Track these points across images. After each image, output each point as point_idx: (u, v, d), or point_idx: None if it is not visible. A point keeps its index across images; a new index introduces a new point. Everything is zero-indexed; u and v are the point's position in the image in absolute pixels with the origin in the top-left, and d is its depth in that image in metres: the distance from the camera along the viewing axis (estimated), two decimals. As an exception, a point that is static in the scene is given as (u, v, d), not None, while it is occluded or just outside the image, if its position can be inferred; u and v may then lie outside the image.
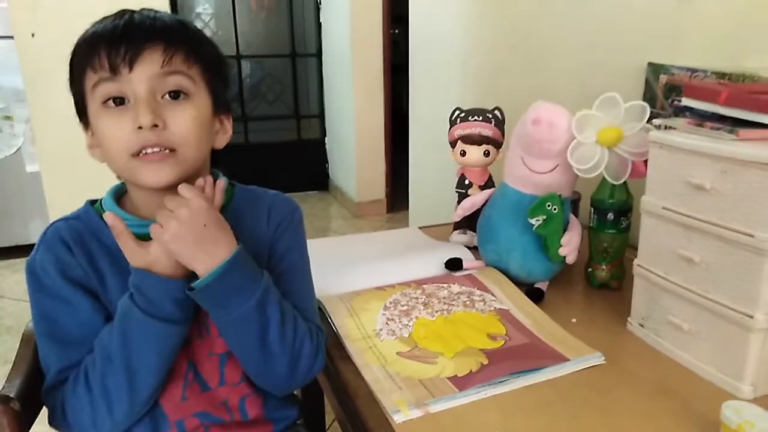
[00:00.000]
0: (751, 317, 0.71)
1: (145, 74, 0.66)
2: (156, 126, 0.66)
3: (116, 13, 0.70)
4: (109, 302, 0.71)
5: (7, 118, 2.80)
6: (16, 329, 2.25)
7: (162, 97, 0.68)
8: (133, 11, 0.70)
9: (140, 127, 0.66)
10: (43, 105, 2.13)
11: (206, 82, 0.72)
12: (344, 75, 3.59)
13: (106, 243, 0.72)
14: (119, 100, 0.67)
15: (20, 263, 2.90)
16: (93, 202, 0.78)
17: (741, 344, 0.73)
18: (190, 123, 0.69)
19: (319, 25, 3.97)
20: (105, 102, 0.68)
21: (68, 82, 0.71)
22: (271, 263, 0.79)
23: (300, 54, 4.10)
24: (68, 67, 0.71)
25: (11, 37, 2.18)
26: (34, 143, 2.63)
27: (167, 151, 0.68)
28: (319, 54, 4.05)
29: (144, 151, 0.67)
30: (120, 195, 0.77)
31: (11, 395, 0.67)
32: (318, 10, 3.93)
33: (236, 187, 0.82)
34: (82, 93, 0.70)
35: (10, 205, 2.90)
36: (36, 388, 0.69)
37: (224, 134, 0.77)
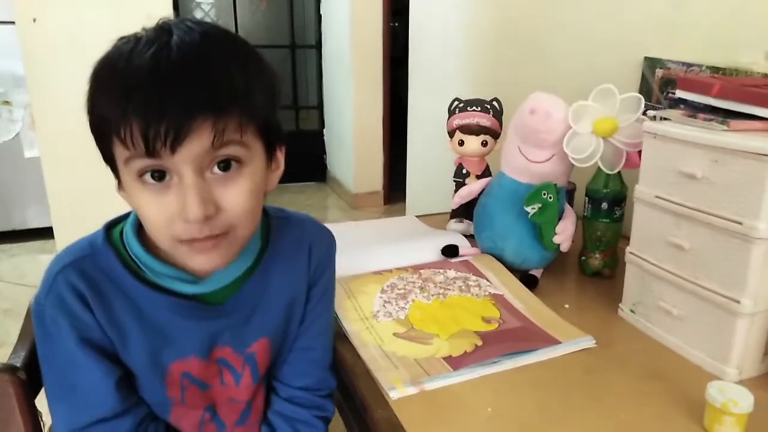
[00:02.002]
0: (738, 302, 0.74)
1: (191, 155, 0.54)
2: (208, 216, 0.56)
3: (150, 43, 0.54)
4: (130, 361, 0.66)
5: (6, 103, 2.80)
6: (13, 312, 2.26)
7: (211, 171, 0.57)
8: (170, 38, 0.54)
9: (188, 220, 0.56)
10: (43, 90, 2.13)
11: (261, 137, 0.60)
12: (343, 67, 3.60)
13: (130, 295, 0.64)
14: (159, 174, 0.56)
15: (17, 248, 2.92)
16: (110, 227, 0.67)
17: (728, 329, 0.76)
18: (245, 199, 0.59)
19: (319, 16, 3.97)
20: (141, 176, 0.56)
21: (89, 123, 0.58)
22: (308, 306, 0.76)
23: (299, 45, 4.11)
24: (89, 104, 0.57)
25: (12, 23, 2.18)
26: (34, 129, 2.64)
27: (222, 235, 0.59)
28: (318, 45, 4.06)
29: (192, 240, 0.58)
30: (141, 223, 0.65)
31: (17, 365, 0.69)
32: (318, 1, 3.94)
33: (271, 221, 0.74)
34: (109, 152, 0.57)
35: (8, 191, 2.91)
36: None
37: (277, 170, 0.67)
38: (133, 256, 0.65)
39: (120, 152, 0.56)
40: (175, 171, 0.55)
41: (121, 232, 0.66)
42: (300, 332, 0.76)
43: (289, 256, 0.73)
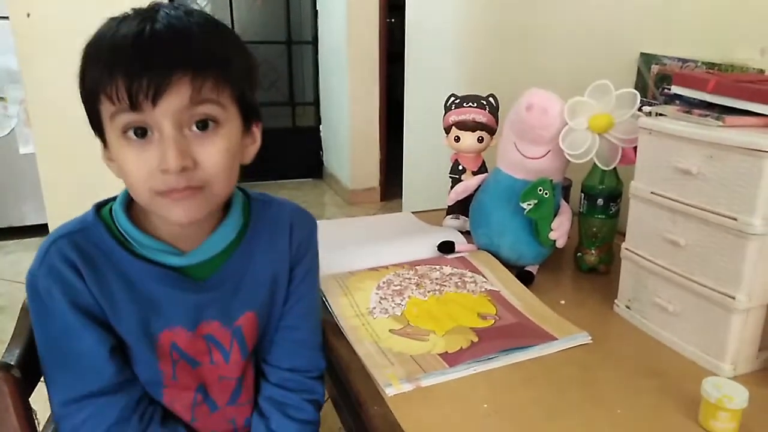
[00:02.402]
0: (733, 298, 0.74)
1: (170, 108, 0.59)
2: (185, 168, 0.60)
3: (138, 16, 0.60)
4: (121, 330, 0.68)
5: (1, 99, 2.78)
6: (9, 309, 2.25)
7: (189, 128, 0.61)
8: (156, 14, 0.60)
9: (166, 170, 0.60)
10: (38, 86, 2.12)
11: (237, 103, 0.65)
12: (340, 62, 3.59)
13: (120, 266, 0.67)
14: (141, 131, 0.60)
15: (13, 245, 2.91)
16: (99, 207, 0.71)
17: (723, 324, 0.76)
18: (221, 157, 0.63)
19: (316, 12, 3.96)
20: (125, 132, 0.61)
21: (80, 90, 0.63)
22: (291, 286, 0.78)
23: (296, 41, 4.09)
24: (80, 75, 0.62)
25: (6, 17, 2.17)
26: (29, 125, 2.63)
27: (198, 188, 0.63)
28: (315, 41, 4.05)
29: (170, 190, 0.61)
30: (130, 198, 0.69)
31: (12, 363, 0.68)
32: (315, -3, 3.93)
33: (252, 202, 0.77)
34: (97, 113, 0.62)
35: (3, 187, 2.89)
36: (36, 356, 0.70)
37: (254, 145, 0.71)
38: (122, 231, 0.69)
39: (107, 109, 0.60)
40: (156, 126, 0.60)
41: (111, 211, 0.70)
42: (285, 312, 0.78)
43: (271, 234, 0.76)
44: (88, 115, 0.64)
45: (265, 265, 0.75)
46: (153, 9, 0.61)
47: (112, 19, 0.61)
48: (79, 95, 0.63)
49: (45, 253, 0.66)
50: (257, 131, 0.71)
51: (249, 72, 0.67)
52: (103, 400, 0.67)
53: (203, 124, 0.62)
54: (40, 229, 2.81)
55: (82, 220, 0.69)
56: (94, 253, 0.67)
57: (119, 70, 0.57)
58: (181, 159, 0.60)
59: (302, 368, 0.79)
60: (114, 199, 0.71)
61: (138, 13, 0.61)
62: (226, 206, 0.73)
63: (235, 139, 0.65)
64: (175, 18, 0.61)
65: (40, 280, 0.65)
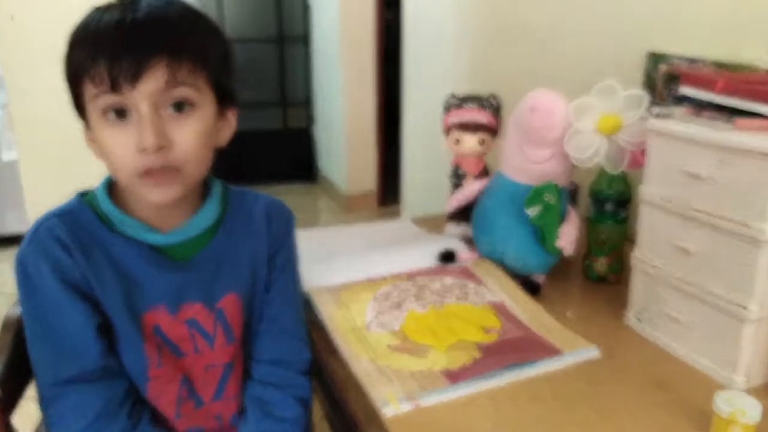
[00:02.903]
0: (745, 308, 0.75)
1: (147, 90, 0.66)
2: (161, 147, 0.67)
3: (121, 5, 0.68)
4: (108, 308, 0.73)
5: (-19, 103, 2.79)
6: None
7: (165, 110, 0.68)
8: (138, 4, 0.68)
9: (144, 149, 0.67)
10: (22, 90, 2.14)
11: (212, 86, 0.72)
12: (333, 60, 3.60)
13: (107, 248, 0.73)
14: (120, 112, 0.67)
15: (-9, 255, 2.90)
16: (84, 194, 0.78)
17: (735, 335, 0.77)
18: (195, 139, 0.70)
19: (307, 7, 3.98)
20: (105, 113, 0.68)
21: (64, 75, 0.70)
22: (272, 275, 0.84)
23: (287, 37, 4.11)
24: (65, 60, 0.69)
25: (-15, 19, 2.18)
26: (12, 130, 2.63)
27: (174, 169, 0.69)
28: (306, 38, 4.06)
29: (148, 171, 0.68)
30: (112, 184, 0.77)
31: (-7, 383, 0.69)
32: (306, -9, 3.94)
33: (230, 192, 0.84)
34: (80, 95, 0.69)
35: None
36: (18, 374, 0.71)
37: (228, 129, 0.78)
38: (106, 212, 0.75)
39: (89, 91, 0.67)
40: (134, 107, 0.67)
41: (94, 195, 0.77)
42: (267, 300, 0.84)
43: (249, 220, 0.83)
44: (71, 97, 0.71)
45: (244, 248, 0.81)
46: (135, 0, 0.68)
47: (97, 9, 0.69)
48: (64, 78, 0.70)
49: (34, 232, 0.72)
50: (232, 117, 0.78)
51: (225, 58, 0.74)
52: (89, 387, 0.72)
53: (179, 106, 0.69)
54: (22, 239, 2.81)
55: (67, 205, 0.76)
56: (81, 232, 0.73)
57: (102, 54, 0.65)
58: (158, 138, 0.66)
59: (286, 359, 0.84)
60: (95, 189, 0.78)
61: (121, 2, 0.69)
62: (205, 192, 0.80)
63: (209, 121, 0.72)
64: (155, 7, 0.68)
65: (29, 257, 0.71)
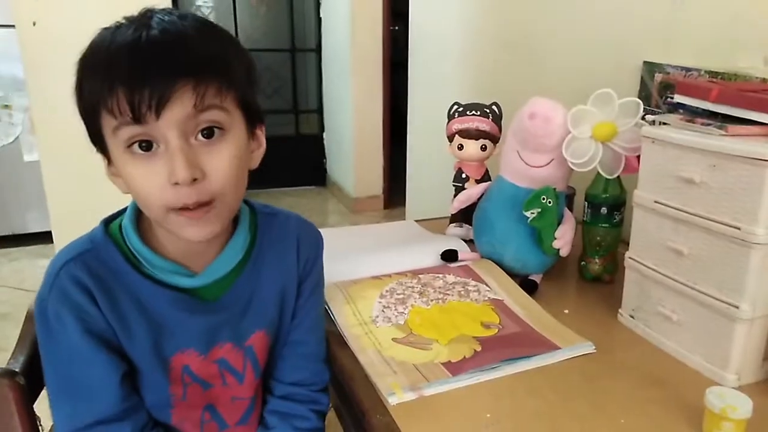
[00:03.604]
0: (737, 307, 0.74)
1: (174, 118, 0.57)
2: (195, 179, 0.58)
3: (132, 24, 0.59)
4: (134, 354, 0.67)
5: (6, 107, 2.81)
6: (12, 316, 2.26)
7: (195, 137, 0.59)
8: (150, 20, 0.59)
9: (176, 183, 0.58)
10: (43, 94, 2.14)
11: (240, 106, 0.63)
12: (343, 70, 3.61)
13: (131, 288, 0.66)
14: (146, 144, 0.58)
15: (16, 252, 2.92)
16: (108, 222, 0.69)
17: (726, 334, 0.76)
18: (229, 166, 0.61)
19: (319, 20, 3.99)
20: (129, 146, 0.58)
21: (78, 106, 0.61)
22: (298, 302, 0.78)
23: (299, 49, 4.12)
24: (77, 90, 0.60)
25: (12, 26, 2.19)
26: (33, 132, 2.64)
27: (209, 203, 0.61)
28: (318, 49, 4.07)
29: (183, 208, 0.60)
30: (138, 213, 0.68)
31: (17, 370, 0.69)
32: (318, 5, 3.95)
33: (258, 216, 0.76)
34: (98, 128, 0.60)
35: (7, 195, 2.91)
36: (40, 364, 0.71)
37: (259, 149, 0.69)
38: (133, 250, 0.67)
39: (108, 123, 0.58)
40: (161, 138, 0.58)
41: (120, 227, 0.68)
42: (292, 327, 0.78)
43: (278, 249, 0.75)
44: (88, 130, 0.62)
45: (273, 281, 0.74)
46: (146, 15, 0.60)
47: (106, 29, 0.59)
48: (78, 110, 0.61)
49: (55, 277, 0.63)
50: (261, 134, 0.70)
51: (249, 73, 0.65)
52: (109, 428, 0.66)
53: (209, 132, 0.60)
54: (44, 237, 2.83)
55: (91, 239, 0.67)
56: (106, 274, 0.65)
57: (119, 82, 0.55)
58: (191, 170, 0.58)
59: (308, 381, 0.80)
60: (122, 212, 0.70)
61: (131, 21, 0.59)
62: (234, 221, 0.71)
63: (242, 144, 0.64)
64: (170, 23, 0.59)
65: (50, 306, 0.63)
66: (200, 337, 0.70)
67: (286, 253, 0.76)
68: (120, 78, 0.56)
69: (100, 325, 0.64)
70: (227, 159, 0.61)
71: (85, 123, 0.61)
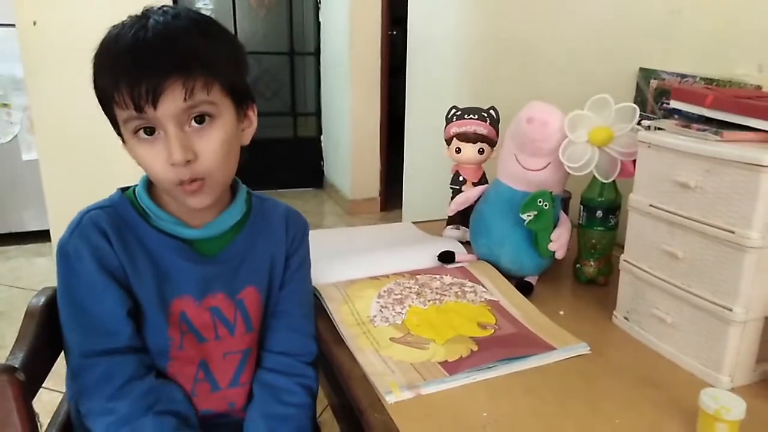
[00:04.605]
0: (731, 310, 0.74)
1: (169, 110, 0.67)
2: (189, 161, 0.68)
3: (133, 24, 0.68)
4: (140, 294, 0.75)
5: (4, 105, 2.80)
6: (8, 314, 2.24)
7: (189, 124, 0.69)
8: (147, 21, 0.68)
9: (173, 163, 0.68)
10: (42, 93, 2.13)
11: (227, 93, 0.72)
12: (342, 74, 3.62)
13: (143, 240, 0.75)
14: (149, 130, 0.69)
15: (14, 250, 2.90)
16: (124, 189, 0.79)
17: (720, 336, 0.76)
18: (219, 148, 0.71)
19: (318, 24, 3.99)
20: (136, 132, 0.69)
21: (95, 94, 0.70)
22: (286, 274, 0.85)
23: (298, 52, 4.12)
24: (94, 86, 0.70)
25: (12, 25, 2.18)
26: (32, 131, 2.63)
27: (202, 179, 0.71)
28: (317, 53, 4.07)
29: (181, 182, 0.70)
30: (151, 182, 0.78)
31: (16, 366, 0.68)
32: (317, 9, 3.95)
33: (252, 196, 0.85)
34: (113, 116, 0.70)
35: (5, 193, 2.89)
36: (40, 360, 0.71)
37: (250, 127, 0.78)
38: (144, 207, 0.77)
39: (119, 114, 0.69)
40: (160, 125, 0.68)
41: (134, 192, 0.79)
42: (281, 298, 0.85)
43: (270, 223, 0.84)
44: (107, 117, 0.72)
45: (265, 248, 0.83)
46: (145, 16, 0.69)
47: (113, 28, 0.69)
48: (99, 102, 0.71)
49: (78, 222, 0.74)
50: (253, 114, 0.78)
51: (237, 61, 0.74)
52: (117, 359, 0.73)
53: (200, 119, 0.69)
54: (41, 236, 2.82)
55: (110, 199, 0.78)
56: (121, 224, 0.75)
57: (123, 80, 0.66)
58: (184, 153, 0.68)
59: (294, 352, 0.84)
60: (135, 185, 0.80)
61: (133, 21, 0.69)
62: (232, 192, 0.81)
63: (230, 128, 0.73)
64: (163, 24, 0.68)
65: (70, 244, 0.72)
66: (197, 285, 0.78)
67: (276, 227, 0.84)
68: (123, 76, 0.66)
69: (113, 262, 0.73)
70: (217, 142, 0.71)
71: (104, 111, 0.71)
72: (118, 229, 0.74)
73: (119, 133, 0.73)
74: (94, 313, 0.72)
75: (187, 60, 0.67)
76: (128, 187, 0.80)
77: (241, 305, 0.81)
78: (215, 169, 0.71)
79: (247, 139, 0.78)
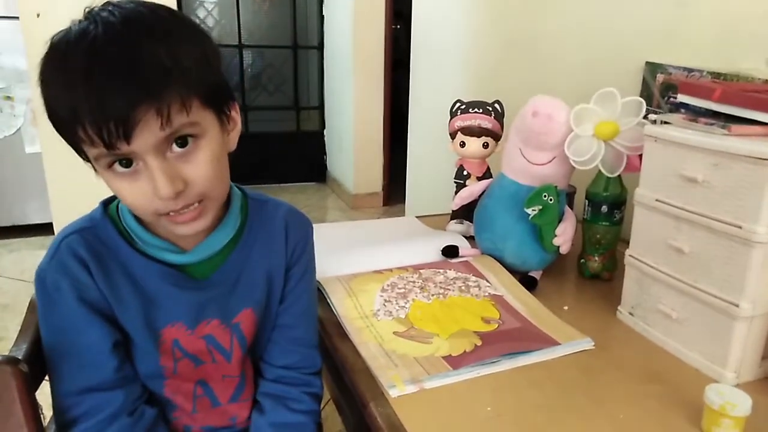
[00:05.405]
0: (737, 306, 0.74)
1: (145, 144, 0.57)
2: (179, 191, 0.60)
3: (81, 32, 0.56)
4: (126, 325, 0.69)
5: (8, 98, 2.79)
6: (12, 307, 2.25)
7: (171, 150, 0.60)
8: (97, 27, 0.56)
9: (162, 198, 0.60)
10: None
11: (207, 105, 0.62)
12: (345, 68, 3.60)
13: (127, 266, 0.69)
14: (126, 162, 0.59)
15: (17, 243, 2.91)
16: (107, 204, 0.72)
17: (726, 332, 0.76)
18: (208, 169, 0.62)
19: (322, 17, 3.97)
20: (110, 166, 0.60)
21: (50, 120, 0.59)
22: (287, 287, 0.78)
23: (301, 46, 4.11)
24: (46, 106, 0.58)
25: (16, 18, 2.18)
26: (35, 124, 2.63)
27: (200, 202, 0.64)
28: (320, 46, 4.06)
29: (171, 211, 0.62)
30: None
31: (19, 357, 0.68)
32: (321, 2, 3.94)
33: (249, 201, 0.77)
34: (76, 144, 0.59)
35: (9, 186, 2.90)
36: (42, 352, 0.70)
37: (234, 129, 0.69)
38: (127, 228, 0.70)
39: (87, 150, 0.59)
40: (139, 157, 0.59)
41: (117, 208, 0.71)
42: (281, 311, 0.79)
43: (268, 233, 0.77)
44: (69, 144, 0.60)
45: (261, 263, 0.76)
46: (93, 21, 0.57)
47: (57, 37, 0.58)
48: (51, 122, 0.59)
49: (56, 249, 0.67)
50: (236, 114, 0.69)
51: (208, 58, 0.62)
52: (103, 395, 0.68)
53: (183, 142, 0.60)
54: (45, 228, 2.82)
55: (90, 218, 0.71)
56: (102, 249, 0.68)
57: (83, 113, 0.55)
58: (172, 185, 0.59)
59: (298, 365, 0.80)
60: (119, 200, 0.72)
61: (80, 29, 0.57)
62: (225, 204, 0.73)
63: (216, 143, 0.64)
64: (117, 32, 0.56)
65: (48, 275, 0.67)
66: (189, 312, 0.72)
67: (274, 237, 0.77)
68: (83, 109, 0.55)
69: (94, 294, 0.67)
70: (206, 164, 0.62)
71: (65, 139, 0.60)
72: (98, 255, 0.67)
73: (85, 159, 0.62)
74: (76, 348, 0.67)
75: (156, 81, 0.56)
76: (112, 199, 0.72)
77: (237, 329, 0.75)
78: (210, 190, 0.64)
79: (234, 144, 0.69)
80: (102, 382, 0.68)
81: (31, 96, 2.55)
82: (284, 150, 4.07)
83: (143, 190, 0.61)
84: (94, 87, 0.55)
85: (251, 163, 3.80)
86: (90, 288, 0.67)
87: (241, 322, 0.76)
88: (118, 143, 0.56)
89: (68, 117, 0.57)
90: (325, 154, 4.23)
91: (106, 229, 0.69)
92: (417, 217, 1.40)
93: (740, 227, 0.72)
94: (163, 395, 0.75)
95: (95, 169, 0.63)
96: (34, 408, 0.68)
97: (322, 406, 0.84)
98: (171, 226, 0.65)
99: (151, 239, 0.69)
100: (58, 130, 0.60)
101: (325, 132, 4.20)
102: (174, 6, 2.27)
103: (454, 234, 1.23)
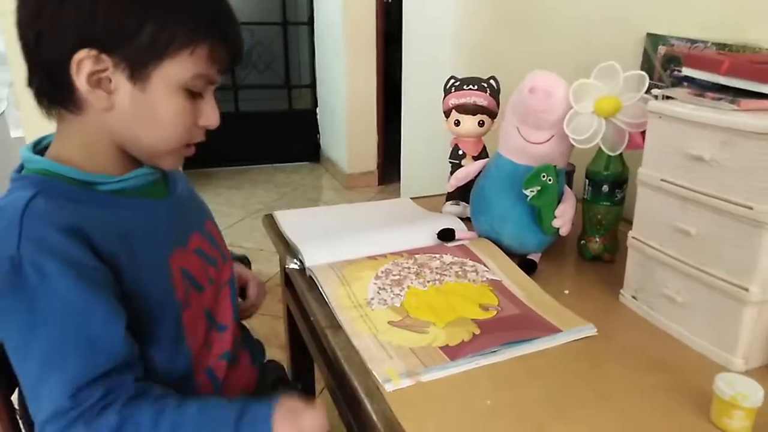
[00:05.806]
0: (746, 290, 0.71)
1: (220, 80, 0.69)
2: None
3: None
4: (137, 276, 0.64)
5: (-10, 82, 2.72)
6: None
7: None
8: None
9: (204, 127, 0.69)
10: (24, 68, 2.06)
11: None
12: (336, 44, 3.53)
13: (106, 214, 0.63)
14: (197, 93, 0.67)
15: (6, 230, 2.86)
16: (21, 170, 0.67)
17: (734, 317, 0.73)
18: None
19: (311, -8, 3.88)
20: (185, 88, 0.65)
21: (142, 39, 0.60)
22: None
23: (291, 22, 4.02)
24: (161, 21, 0.60)
25: (-7, -3, 2.10)
26: (19, 107, 2.57)
27: None
28: (311, 22, 3.97)
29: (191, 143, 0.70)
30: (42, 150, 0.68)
31: (-7, 360, 0.65)
32: (310, -24, 3.85)
33: None
34: (149, 62, 0.61)
35: (-5, 171, 2.84)
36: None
37: None
38: (79, 178, 0.64)
39: (185, 66, 0.63)
40: (209, 89, 0.68)
41: (45, 170, 0.64)
42: None
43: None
44: (127, 61, 0.61)
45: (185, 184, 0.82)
46: None
47: None
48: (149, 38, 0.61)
49: (20, 226, 0.56)
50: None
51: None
52: (111, 381, 0.59)
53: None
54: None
55: (30, 184, 0.62)
56: (77, 207, 0.61)
57: (226, 33, 0.65)
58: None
59: None
60: (20, 168, 0.68)
61: None
62: None
63: None
64: None
65: (25, 259, 0.55)
66: (178, 234, 0.74)
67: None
68: (226, 30, 0.65)
69: (91, 264, 0.58)
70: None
71: (139, 58, 0.61)
72: (79, 215, 0.60)
73: (140, 80, 0.62)
74: (81, 340, 0.57)
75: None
76: (22, 168, 0.67)
77: (211, 238, 0.81)
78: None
79: None
80: (110, 368, 0.59)
81: (12, 79, 2.47)
82: (276, 130, 4.00)
83: (193, 117, 0.67)
84: (228, 15, 0.66)
85: (243, 143, 3.74)
86: (84, 259, 0.57)
87: (211, 231, 0.82)
88: (227, 69, 0.67)
89: (210, 18, 0.64)
90: (318, 133, 4.16)
91: (61, 186, 0.62)
92: (412, 198, 1.36)
93: (751, 208, 0.69)
94: (184, 342, 0.71)
95: (138, 86, 0.62)
96: (10, 411, 0.65)
97: (318, 391, 0.82)
98: (174, 157, 0.70)
99: (105, 177, 0.66)
100: (159, 45, 0.61)
101: (317, 110, 4.13)
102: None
103: (450, 216, 1.19)
